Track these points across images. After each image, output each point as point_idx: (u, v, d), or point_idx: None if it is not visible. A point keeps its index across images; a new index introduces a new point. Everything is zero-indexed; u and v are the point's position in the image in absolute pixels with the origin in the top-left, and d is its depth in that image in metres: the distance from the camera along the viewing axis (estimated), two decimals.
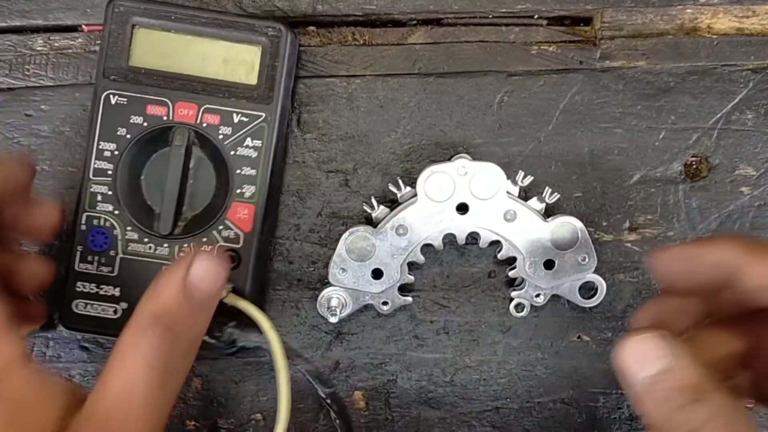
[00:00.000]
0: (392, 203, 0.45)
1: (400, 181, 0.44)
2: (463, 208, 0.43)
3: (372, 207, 0.44)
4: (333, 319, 0.44)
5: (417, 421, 0.47)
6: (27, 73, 0.45)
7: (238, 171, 0.43)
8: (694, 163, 0.47)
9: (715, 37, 0.46)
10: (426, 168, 0.43)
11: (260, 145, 0.43)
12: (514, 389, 0.47)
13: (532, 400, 0.47)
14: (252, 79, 0.43)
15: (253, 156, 0.43)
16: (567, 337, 0.47)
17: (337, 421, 0.45)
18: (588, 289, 0.45)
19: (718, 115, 0.46)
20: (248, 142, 0.43)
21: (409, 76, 0.46)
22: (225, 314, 0.41)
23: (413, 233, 0.44)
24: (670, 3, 0.46)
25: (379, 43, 0.46)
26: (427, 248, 0.44)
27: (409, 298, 0.45)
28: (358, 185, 0.46)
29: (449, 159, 0.44)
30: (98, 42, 0.45)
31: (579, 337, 0.47)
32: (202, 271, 0.36)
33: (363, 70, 0.46)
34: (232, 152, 0.42)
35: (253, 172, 0.43)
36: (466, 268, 0.47)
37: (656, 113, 0.46)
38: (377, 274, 0.44)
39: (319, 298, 0.45)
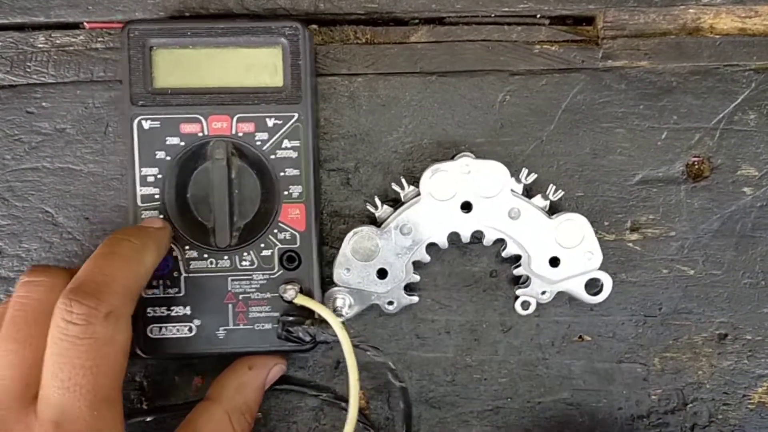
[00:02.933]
0: (394, 202, 0.45)
1: (403, 180, 0.44)
2: (467, 207, 0.43)
3: (375, 206, 0.44)
4: (339, 319, 0.44)
5: (418, 420, 0.47)
6: (28, 70, 0.45)
7: (282, 173, 0.43)
8: (696, 163, 0.47)
9: (717, 37, 0.46)
10: (429, 166, 0.43)
11: (299, 144, 0.43)
12: (515, 389, 0.47)
13: (532, 400, 0.47)
14: (278, 81, 0.42)
15: (294, 156, 0.43)
16: (568, 336, 0.47)
17: (402, 408, 0.45)
18: (594, 286, 0.45)
19: (721, 116, 0.46)
20: (286, 143, 0.42)
21: (411, 75, 0.46)
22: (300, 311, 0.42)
23: (418, 232, 0.43)
24: (673, 3, 0.46)
25: (381, 42, 0.46)
26: (431, 247, 0.44)
27: (415, 298, 0.45)
28: (360, 184, 0.46)
29: (452, 158, 0.44)
30: (99, 39, 0.45)
31: (580, 337, 0.47)
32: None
33: (365, 69, 0.46)
34: (273, 156, 0.42)
35: (296, 172, 0.43)
36: (467, 267, 0.47)
37: (658, 113, 0.46)
38: (382, 273, 0.44)
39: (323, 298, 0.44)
